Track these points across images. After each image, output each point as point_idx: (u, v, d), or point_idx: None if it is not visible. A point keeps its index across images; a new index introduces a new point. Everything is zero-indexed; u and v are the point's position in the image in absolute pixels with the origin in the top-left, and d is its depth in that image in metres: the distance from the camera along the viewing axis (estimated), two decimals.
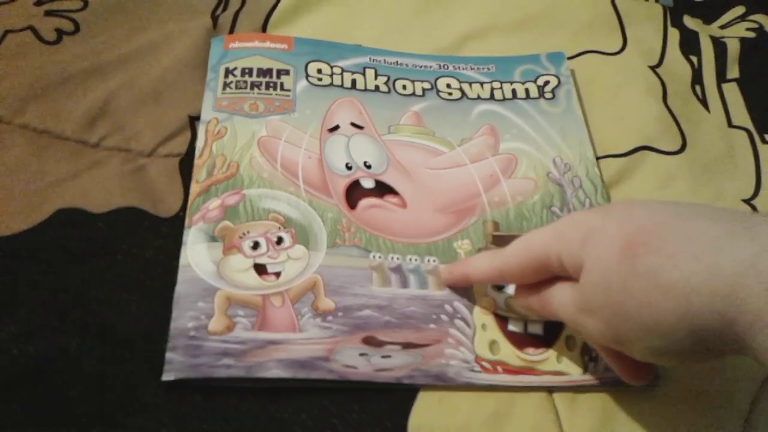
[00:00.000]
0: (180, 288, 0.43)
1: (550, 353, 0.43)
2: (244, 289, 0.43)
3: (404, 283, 0.46)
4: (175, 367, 0.40)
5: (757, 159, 0.55)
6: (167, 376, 0.40)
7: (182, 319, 0.42)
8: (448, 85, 0.56)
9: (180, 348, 0.40)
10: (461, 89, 0.56)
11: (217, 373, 0.40)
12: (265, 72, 0.54)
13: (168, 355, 0.40)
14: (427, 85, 0.56)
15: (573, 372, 0.43)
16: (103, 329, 0.42)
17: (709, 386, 0.43)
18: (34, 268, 0.44)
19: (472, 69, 0.58)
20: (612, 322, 0.34)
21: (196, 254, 0.44)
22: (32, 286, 0.43)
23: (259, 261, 0.45)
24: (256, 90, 0.53)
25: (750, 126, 0.58)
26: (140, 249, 0.46)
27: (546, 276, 0.39)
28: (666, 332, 0.32)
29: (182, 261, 0.44)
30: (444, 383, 0.42)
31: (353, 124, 0.53)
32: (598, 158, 0.54)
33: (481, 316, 0.44)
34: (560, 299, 0.38)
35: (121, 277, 0.44)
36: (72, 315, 0.42)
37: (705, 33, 0.64)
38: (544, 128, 0.54)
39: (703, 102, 0.59)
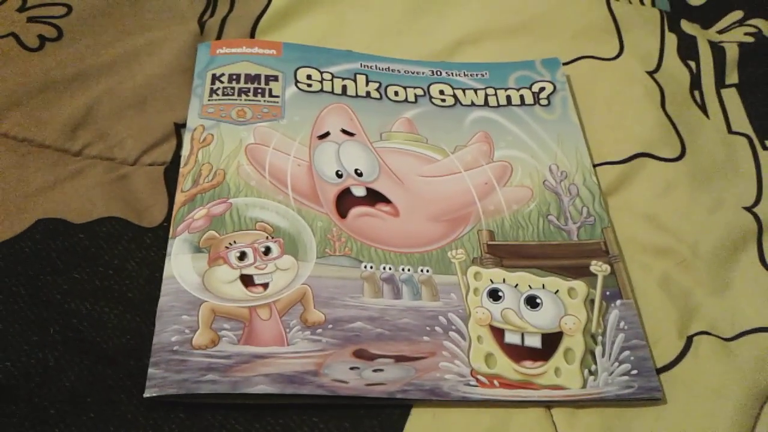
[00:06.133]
0: (163, 300, 0.42)
1: (548, 366, 0.42)
2: (230, 302, 0.42)
3: (397, 294, 0.44)
4: (157, 383, 0.39)
5: (758, 165, 0.54)
6: (149, 393, 0.38)
7: (165, 332, 0.40)
8: (441, 92, 0.55)
9: (163, 363, 0.39)
10: (455, 96, 0.55)
11: (202, 389, 0.38)
12: (253, 78, 0.53)
13: (150, 370, 0.39)
14: (419, 92, 0.55)
15: (572, 386, 0.41)
16: (84, 343, 0.41)
17: (713, 401, 0.42)
18: (12, 280, 0.42)
19: (465, 75, 0.57)
20: None
21: (181, 265, 0.43)
22: (11, 298, 0.42)
23: (246, 272, 0.43)
24: (243, 96, 0.52)
25: (750, 132, 0.56)
26: (123, 260, 0.44)
27: None
28: None
29: (166, 272, 0.43)
30: (439, 398, 0.40)
31: (344, 131, 0.51)
32: (595, 166, 0.53)
33: (476, 328, 0.43)
34: None
35: (103, 289, 0.43)
36: (52, 328, 0.41)
37: (703, 38, 0.63)
38: (539, 135, 0.53)
39: (702, 108, 0.58)
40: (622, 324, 0.44)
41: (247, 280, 0.43)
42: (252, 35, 0.58)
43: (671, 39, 0.63)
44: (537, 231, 0.48)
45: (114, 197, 0.47)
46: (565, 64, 0.59)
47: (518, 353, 0.42)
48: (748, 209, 0.51)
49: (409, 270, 0.45)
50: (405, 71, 0.56)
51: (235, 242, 0.44)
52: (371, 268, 0.45)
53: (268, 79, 0.53)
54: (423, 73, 0.56)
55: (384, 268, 0.45)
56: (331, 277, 0.44)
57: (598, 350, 0.42)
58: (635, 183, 0.52)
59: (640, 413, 0.41)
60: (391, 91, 0.54)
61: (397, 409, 0.40)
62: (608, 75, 0.59)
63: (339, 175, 0.49)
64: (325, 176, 0.49)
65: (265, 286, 0.43)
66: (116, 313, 0.42)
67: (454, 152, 0.52)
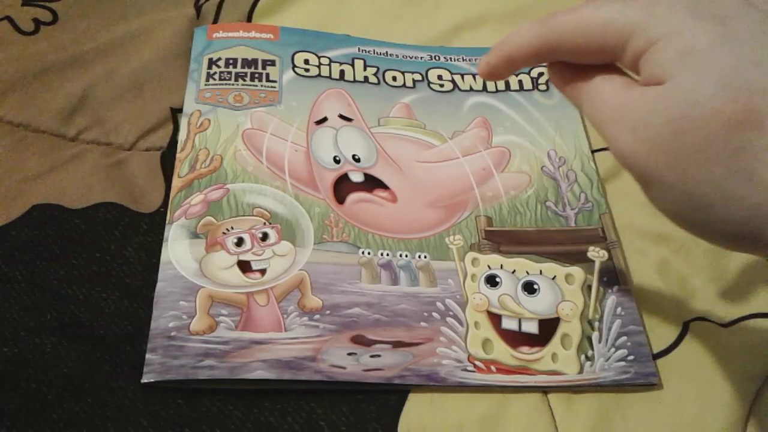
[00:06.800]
0: (161, 286, 0.42)
1: (545, 352, 0.42)
2: (227, 287, 0.42)
3: (394, 280, 0.44)
4: (155, 368, 0.39)
5: None
6: (147, 378, 0.38)
7: (163, 318, 0.40)
8: (440, 77, 0.55)
9: (160, 349, 0.39)
10: (453, 81, 0.55)
11: (199, 375, 0.38)
12: (250, 63, 0.52)
13: (148, 356, 0.39)
14: (417, 77, 0.55)
15: (569, 372, 0.41)
16: (81, 329, 0.41)
17: (709, 387, 0.42)
18: (8, 266, 0.42)
19: (464, 60, 0.56)
20: (656, 161, 0.28)
21: (178, 251, 0.43)
22: (7, 284, 0.42)
23: (244, 258, 0.43)
24: (240, 81, 0.51)
25: None
26: (120, 246, 0.44)
27: (601, 58, 0.31)
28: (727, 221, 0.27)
29: (163, 258, 0.43)
30: (436, 384, 0.40)
31: (341, 116, 0.51)
32: (593, 151, 0.52)
33: (473, 314, 0.43)
34: (604, 93, 0.31)
35: (100, 275, 0.43)
36: (48, 314, 0.41)
37: None
38: (538, 121, 0.53)
39: None
40: (619, 310, 0.44)
41: (244, 266, 0.43)
42: (249, 19, 0.58)
43: None
44: (535, 217, 0.48)
45: (110, 182, 0.46)
46: None
47: (515, 339, 0.42)
48: None
49: (406, 256, 0.45)
50: (403, 56, 0.56)
51: (232, 228, 0.44)
52: (369, 254, 0.45)
53: (266, 63, 0.53)
54: (421, 58, 0.56)
55: (382, 254, 0.45)
56: (329, 263, 0.44)
57: (594, 336, 0.43)
58: None
59: (637, 399, 0.41)
60: (389, 76, 0.54)
61: (394, 394, 0.41)
62: None
63: (337, 161, 0.49)
64: (323, 162, 0.49)
65: (263, 272, 0.43)
66: (113, 299, 0.42)
67: (453, 138, 0.51)
